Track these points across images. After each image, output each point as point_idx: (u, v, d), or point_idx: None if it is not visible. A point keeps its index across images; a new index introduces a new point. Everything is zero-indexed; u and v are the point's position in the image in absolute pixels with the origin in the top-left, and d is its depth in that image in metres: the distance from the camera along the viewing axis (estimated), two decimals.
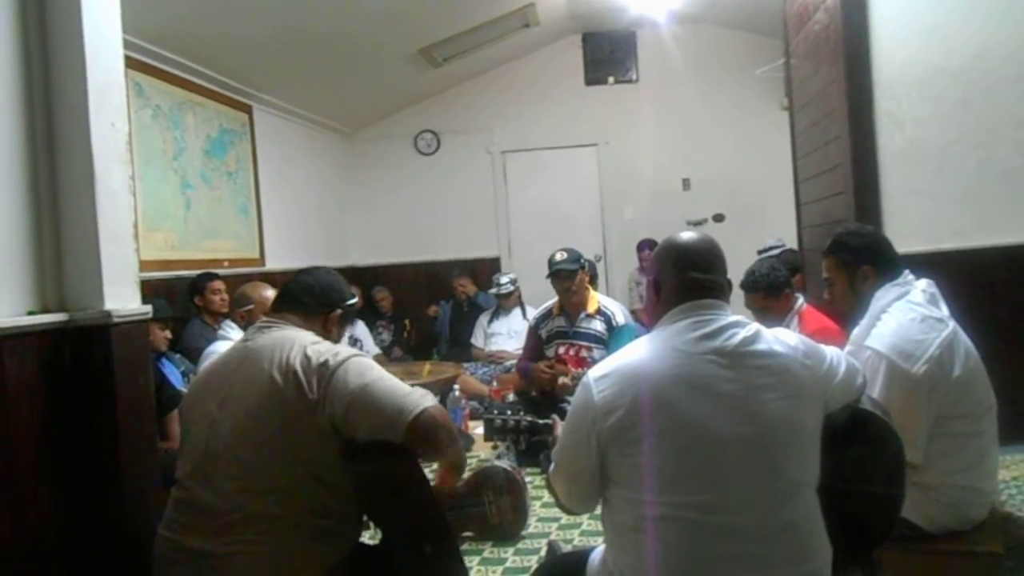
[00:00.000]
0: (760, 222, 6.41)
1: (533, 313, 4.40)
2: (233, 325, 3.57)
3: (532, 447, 3.41)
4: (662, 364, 1.42)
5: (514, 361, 4.98)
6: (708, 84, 6.95)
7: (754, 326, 1.48)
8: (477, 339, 5.91)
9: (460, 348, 6.08)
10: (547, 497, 3.00)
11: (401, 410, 1.63)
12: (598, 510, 1.56)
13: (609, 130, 7.22)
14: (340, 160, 7.19)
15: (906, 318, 1.98)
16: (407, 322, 6.73)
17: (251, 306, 3.21)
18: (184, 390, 3.12)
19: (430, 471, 1.90)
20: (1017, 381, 2.71)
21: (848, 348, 2.02)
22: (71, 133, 2.04)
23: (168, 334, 3.60)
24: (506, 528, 2.85)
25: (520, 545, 2.82)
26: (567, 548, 2.53)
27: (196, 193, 4.72)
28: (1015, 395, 2.43)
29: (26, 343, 1.90)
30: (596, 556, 1.56)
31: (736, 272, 1.83)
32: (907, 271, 2.11)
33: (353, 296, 2.00)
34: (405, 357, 6.23)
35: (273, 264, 5.45)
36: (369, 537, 1.91)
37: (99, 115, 2.06)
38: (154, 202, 4.30)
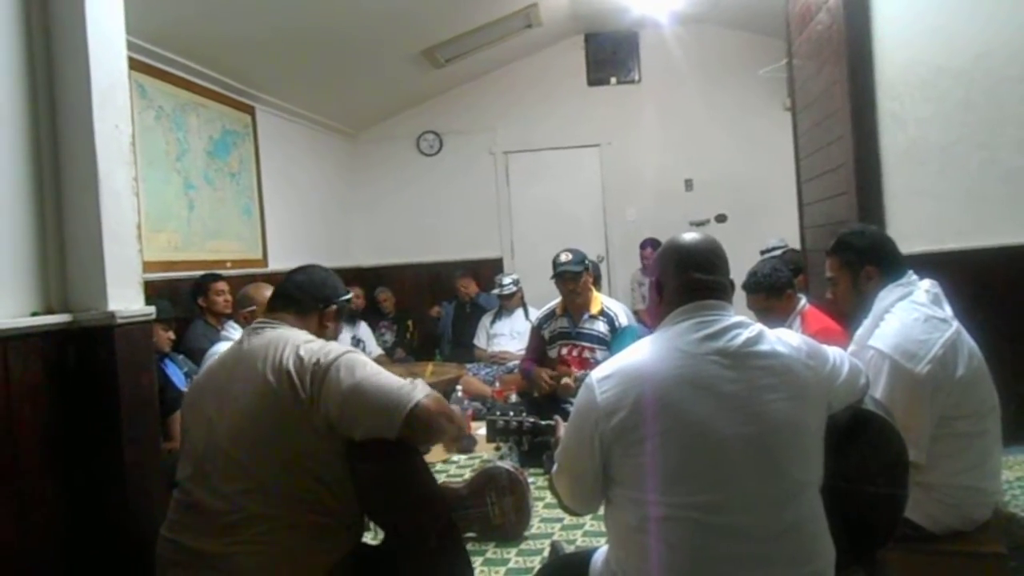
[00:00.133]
0: (762, 223, 6.41)
1: (536, 314, 4.39)
2: (236, 326, 3.57)
3: (535, 448, 3.39)
4: (665, 365, 1.42)
5: (516, 362, 4.98)
6: (710, 84, 6.95)
7: (757, 327, 1.48)
8: (479, 340, 5.91)
9: (463, 349, 6.08)
10: (550, 498, 3.00)
11: (394, 407, 1.63)
12: (601, 511, 1.55)
13: (611, 131, 7.22)
14: (343, 161, 7.20)
15: (909, 318, 1.98)
16: (410, 323, 6.74)
17: (254, 307, 3.22)
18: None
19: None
20: (1020, 381, 2.70)
21: (851, 348, 2.02)
22: (75, 134, 2.05)
23: (171, 335, 3.61)
24: (509, 529, 2.85)
25: (523, 546, 2.82)
26: (570, 549, 2.53)
27: (199, 194, 4.72)
28: (1018, 395, 2.43)
29: (30, 344, 1.91)
30: (599, 557, 1.56)
31: (738, 273, 1.83)
32: (911, 271, 2.11)
33: (348, 292, 2.00)
34: (408, 358, 6.24)
35: (276, 265, 5.45)
36: (371, 538, 1.91)
37: (103, 116, 2.07)
38: (157, 203, 4.30)
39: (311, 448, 1.64)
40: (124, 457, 2.03)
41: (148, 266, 3.42)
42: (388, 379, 1.69)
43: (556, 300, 4.11)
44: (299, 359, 1.67)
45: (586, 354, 3.92)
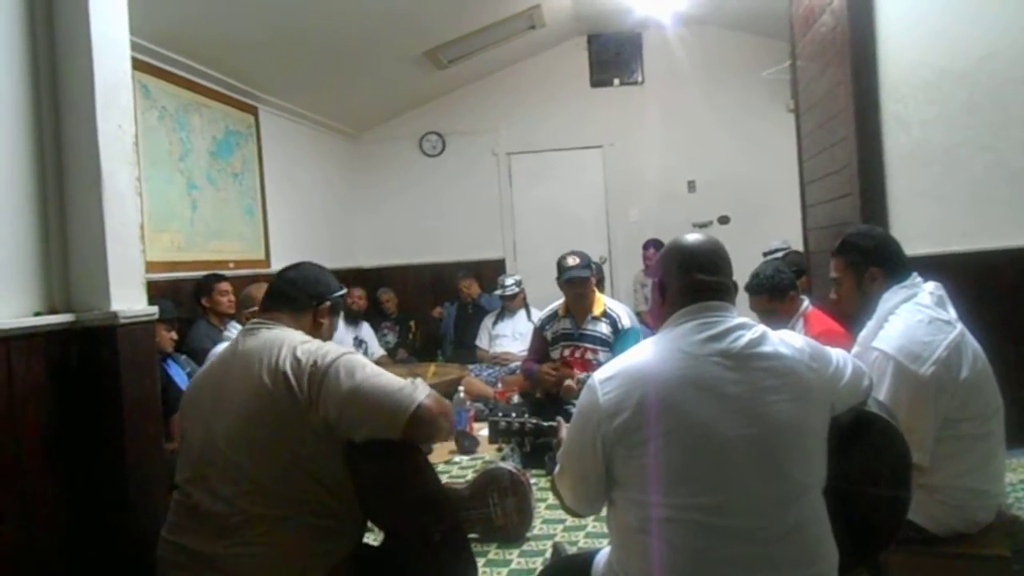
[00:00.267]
0: (765, 224, 6.41)
1: (538, 314, 4.39)
2: (238, 326, 3.58)
3: (537, 449, 3.39)
4: (668, 366, 1.42)
5: (519, 363, 4.97)
6: (714, 86, 6.95)
7: (760, 328, 1.48)
8: (482, 341, 5.91)
9: (465, 350, 6.08)
10: (552, 499, 3.00)
11: (397, 408, 1.63)
12: (603, 512, 1.55)
13: (614, 132, 7.22)
14: (345, 162, 7.20)
15: (914, 320, 1.97)
16: (412, 323, 6.74)
17: (255, 307, 3.21)
18: None
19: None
20: None
21: (855, 350, 2.01)
22: (78, 134, 2.05)
23: (174, 335, 3.61)
24: (511, 530, 2.85)
25: (525, 547, 2.81)
26: (572, 550, 2.53)
27: (202, 194, 4.73)
28: (1022, 397, 2.42)
29: (33, 344, 1.91)
30: (601, 558, 1.56)
31: (741, 275, 1.83)
32: (915, 273, 2.10)
33: (341, 288, 1.98)
34: (410, 358, 6.24)
35: (278, 265, 5.40)
36: (373, 539, 1.91)
37: (106, 116, 2.07)
38: (160, 203, 4.31)
39: (309, 450, 1.64)
40: (126, 457, 2.03)
41: (151, 266, 3.43)
42: (388, 380, 1.68)
43: (559, 301, 4.10)
44: (296, 360, 1.66)
45: (588, 356, 3.91)
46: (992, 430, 1.98)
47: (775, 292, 3.07)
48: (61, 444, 1.97)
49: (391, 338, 6.53)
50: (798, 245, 4.83)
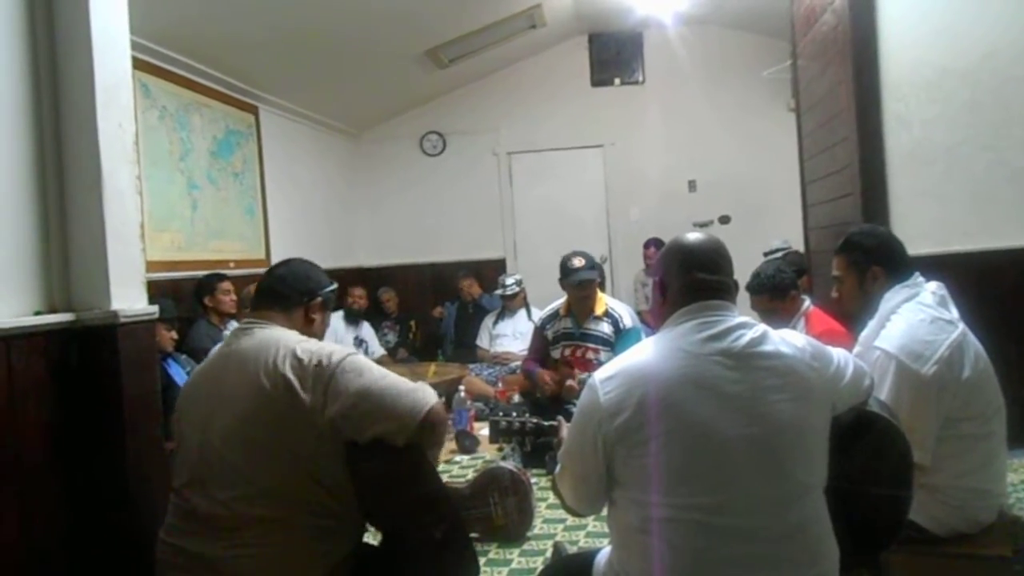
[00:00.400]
0: (766, 224, 6.41)
1: (539, 314, 4.38)
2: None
3: (537, 448, 3.41)
4: (668, 365, 1.42)
5: (519, 363, 4.97)
6: (714, 85, 6.95)
7: (761, 327, 1.47)
8: (482, 340, 5.91)
9: (465, 349, 6.08)
10: (552, 498, 3.00)
11: (410, 409, 1.62)
12: (604, 511, 1.55)
13: (615, 131, 7.22)
14: (346, 161, 7.20)
15: (916, 319, 1.97)
16: (412, 323, 6.74)
17: None
18: None
19: None
20: None
21: (856, 349, 2.01)
22: (78, 133, 2.05)
23: (174, 335, 3.61)
24: (511, 529, 2.85)
25: (526, 546, 2.81)
26: (573, 549, 2.53)
27: (202, 194, 4.73)
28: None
29: (33, 343, 1.91)
30: (602, 558, 1.56)
31: (742, 274, 1.82)
32: (917, 273, 2.10)
33: (332, 283, 1.96)
34: (410, 358, 6.23)
35: None
36: (373, 538, 1.90)
37: (106, 115, 2.07)
38: (160, 203, 4.31)
39: (309, 451, 1.63)
40: (126, 456, 2.03)
41: (151, 266, 3.43)
42: (397, 381, 1.68)
43: (559, 300, 4.09)
44: (297, 360, 1.65)
45: (589, 355, 3.90)
46: (994, 430, 1.97)
47: (776, 292, 3.07)
48: (61, 443, 1.97)
49: (391, 338, 6.53)
50: (799, 245, 4.83)
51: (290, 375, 1.63)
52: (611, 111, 7.18)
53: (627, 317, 3.95)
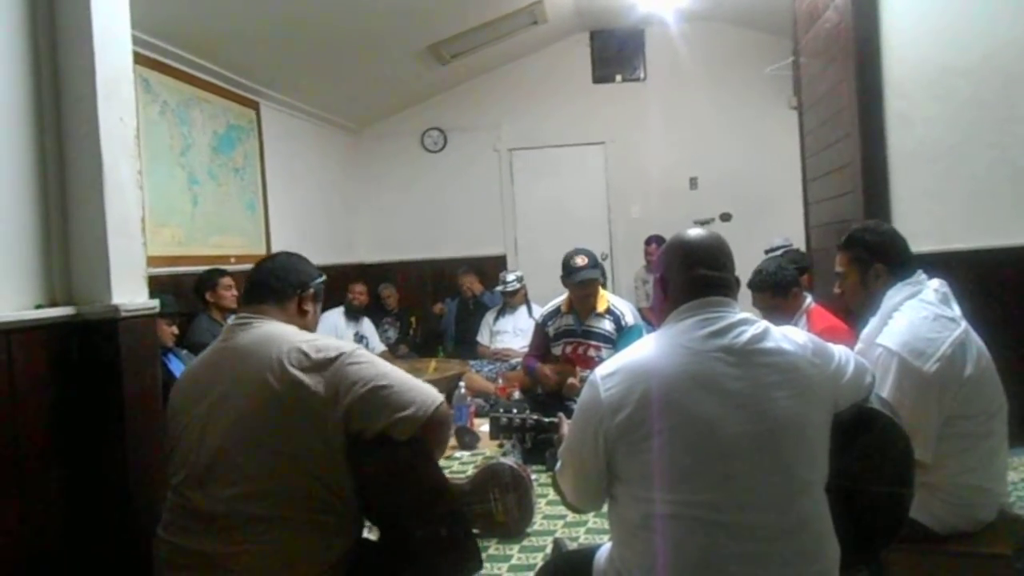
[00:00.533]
0: (767, 221, 6.40)
1: (540, 310, 4.38)
2: None
3: (538, 445, 3.42)
4: (670, 362, 1.41)
5: (520, 359, 4.97)
6: (716, 82, 6.94)
7: (762, 324, 1.47)
8: (483, 337, 5.91)
9: (466, 346, 6.08)
10: (553, 495, 3.00)
11: (421, 402, 1.63)
12: (604, 508, 1.55)
13: (616, 128, 7.21)
14: (347, 157, 7.20)
15: (918, 316, 1.96)
16: (413, 319, 6.74)
17: None
18: None
19: None
20: None
21: (858, 347, 2.01)
22: (79, 127, 2.04)
23: (175, 330, 3.61)
24: (512, 525, 2.85)
25: (526, 543, 2.81)
26: (573, 546, 2.53)
27: (203, 189, 4.72)
28: None
29: (34, 337, 1.90)
30: (602, 554, 1.56)
31: (743, 272, 1.82)
32: (920, 271, 2.10)
33: (321, 274, 1.97)
34: (411, 354, 6.24)
35: None
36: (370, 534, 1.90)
37: (107, 109, 2.06)
38: (161, 198, 4.30)
39: (313, 448, 1.62)
40: (127, 451, 2.03)
41: (152, 261, 3.42)
42: (405, 377, 1.68)
43: (561, 297, 4.09)
44: (304, 355, 1.64)
45: (591, 352, 3.90)
46: (995, 428, 1.97)
47: (778, 289, 3.07)
48: (61, 437, 1.97)
49: (392, 334, 6.53)
50: (800, 242, 4.82)
51: (298, 372, 1.62)
52: (612, 108, 7.17)
53: (629, 314, 3.95)
